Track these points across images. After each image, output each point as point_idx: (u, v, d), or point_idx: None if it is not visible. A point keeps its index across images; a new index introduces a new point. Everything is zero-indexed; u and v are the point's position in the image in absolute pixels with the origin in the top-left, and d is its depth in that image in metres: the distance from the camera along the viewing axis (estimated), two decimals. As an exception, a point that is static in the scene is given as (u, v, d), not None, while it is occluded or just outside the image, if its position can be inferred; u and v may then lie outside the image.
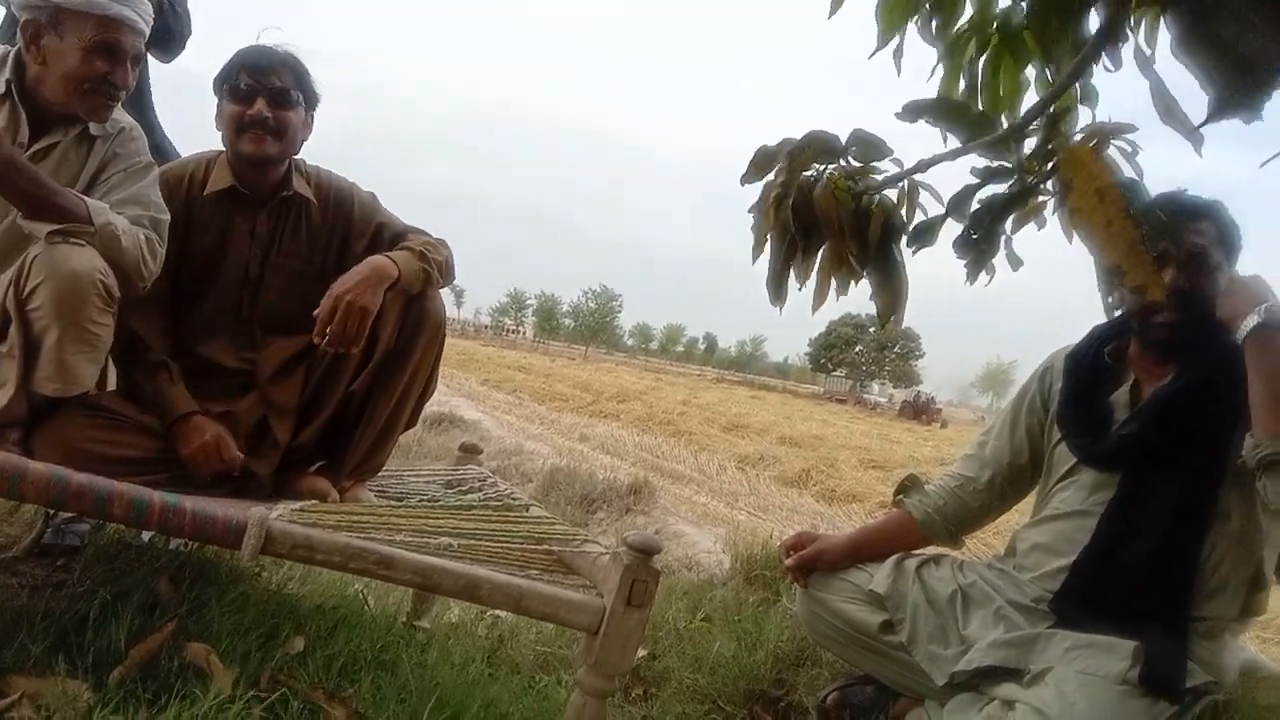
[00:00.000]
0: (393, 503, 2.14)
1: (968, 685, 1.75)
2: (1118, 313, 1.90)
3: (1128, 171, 1.27)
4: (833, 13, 1.39)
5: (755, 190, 1.47)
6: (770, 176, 1.46)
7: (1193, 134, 0.90)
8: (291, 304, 2.21)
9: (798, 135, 1.43)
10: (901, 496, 2.09)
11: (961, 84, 1.40)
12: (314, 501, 2.00)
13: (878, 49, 1.38)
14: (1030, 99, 1.34)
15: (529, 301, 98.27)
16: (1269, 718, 1.62)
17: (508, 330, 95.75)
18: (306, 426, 2.18)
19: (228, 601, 1.95)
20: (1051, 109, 1.18)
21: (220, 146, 2.23)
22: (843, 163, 1.42)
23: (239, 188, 2.16)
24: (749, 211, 1.53)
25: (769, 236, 1.50)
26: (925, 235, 1.32)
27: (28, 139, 1.92)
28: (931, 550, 2.07)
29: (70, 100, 1.92)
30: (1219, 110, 0.72)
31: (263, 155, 2.12)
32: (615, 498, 3.86)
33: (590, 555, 1.84)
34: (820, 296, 1.49)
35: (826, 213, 1.40)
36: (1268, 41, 0.66)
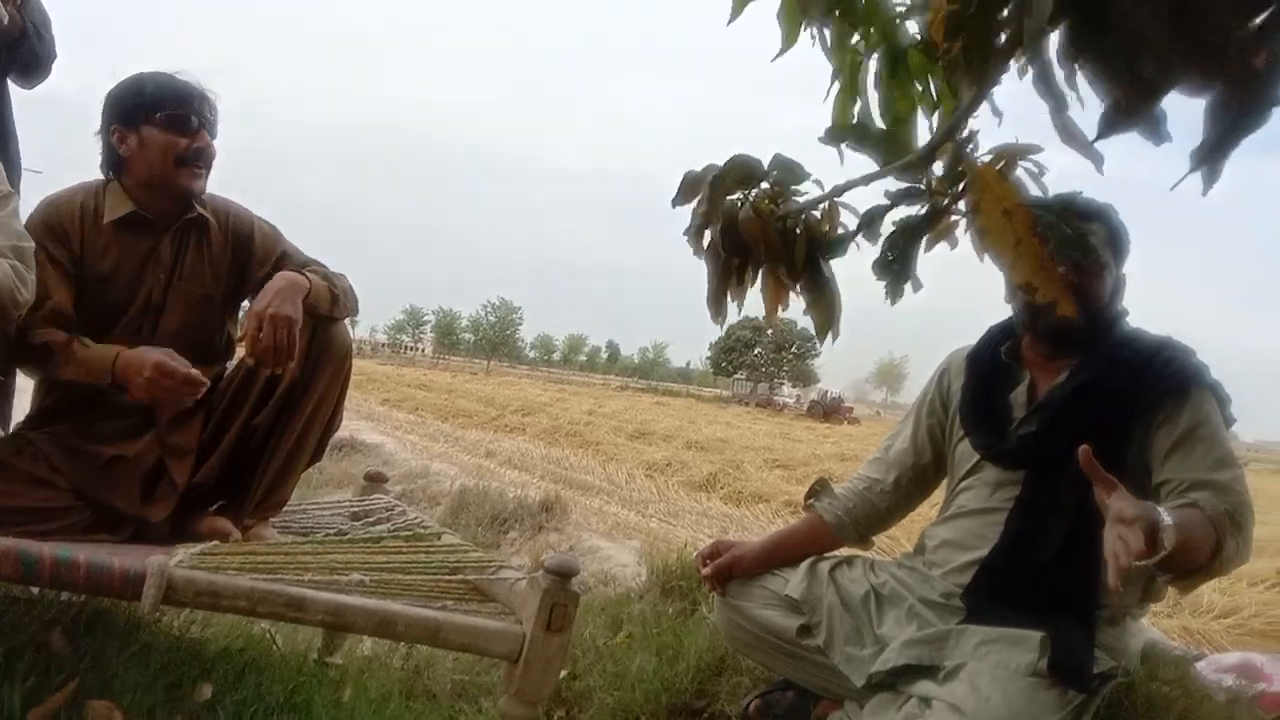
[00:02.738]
0: (298, 539, 2.07)
1: (885, 684, 1.78)
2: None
3: (1035, 191, 1.31)
4: (732, 20, 1.40)
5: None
6: (695, 203, 1.47)
7: (1093, 154, 0.94)
8: (193, 332, 2.13)
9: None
10: (812, 500, 2.13)
11: (859, 101, 1.43)
12: (215, 543, 1.93)
13: (781, 52, 1.39)
14: (922, 118, 1.38)
15: (426, 317, 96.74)
16: (1168, 694, 1.70)
17: (406, 347, 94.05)
18: (204, 464, 2.11)
19: (129, 654, 1.86)
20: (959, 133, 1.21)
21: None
22: (765, 186, 1.44)
23: (141, 213, 2.07)
24: (683, 235, 1.54)
25: (704, 259, 1.51)
26: (836, 247, 1.35)
27: None
28: (844, 552, 2.11)
29: None
30: (1110, 125, 0.75)
31: (198, 189, 2.09)
32: (527, 516, 3.81)
33: (507, 581, 1.82)
34: (769, 312, 1.51)
35: (753, 235, 1.41)
36: (1162, 59, 0.69)
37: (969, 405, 1.99)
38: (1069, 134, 1.00)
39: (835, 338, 1.47)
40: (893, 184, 1.26)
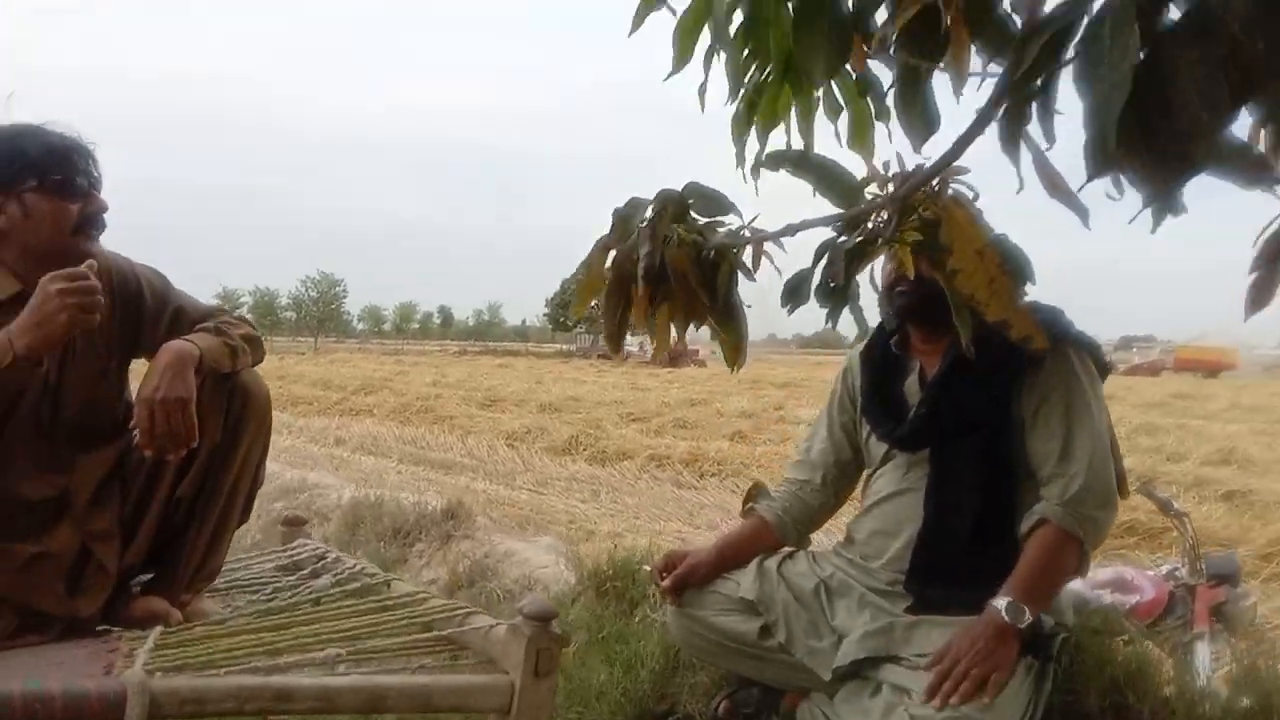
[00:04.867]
0: (248, 613, 1.98)
1: (849, 673, 1.90)
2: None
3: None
4: (632, 32, 1.39)
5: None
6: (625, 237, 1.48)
7: (1080, 208, 1.00)
8: (95, 411, 1.98)
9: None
10: (752, 504, 2.22)
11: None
12: (159, 630, 1.83)
13: (673, 73, 1.40)
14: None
15: (242, 298, 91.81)
16: (1101, 641, 1.90)
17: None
18: (130, 545, 1.98)
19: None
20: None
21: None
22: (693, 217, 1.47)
23: (28, 291, 1.89)
24: (578, 271, 1.56)
25: (605, 294, 1.53)
26: (797, 293, 1.38)
27: None
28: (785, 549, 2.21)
29: None
30: (1157, 214, 0.83)
31: (95, 253, 1.90)
32: (431, 525, 3.72)
33: (480, 629, 1.83)
34: (661, 346, 1.55)
35: (679, 268, 1.44)
36: (1208, 149, 0.76)
37: (867, 399, 2.12)
38: (1055, 188, 1.07)
39: (742, 365, 1.52)
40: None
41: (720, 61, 1.37)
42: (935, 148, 1.15)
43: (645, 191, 1.48)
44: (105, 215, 1.96)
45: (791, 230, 1.39)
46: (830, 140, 1.41)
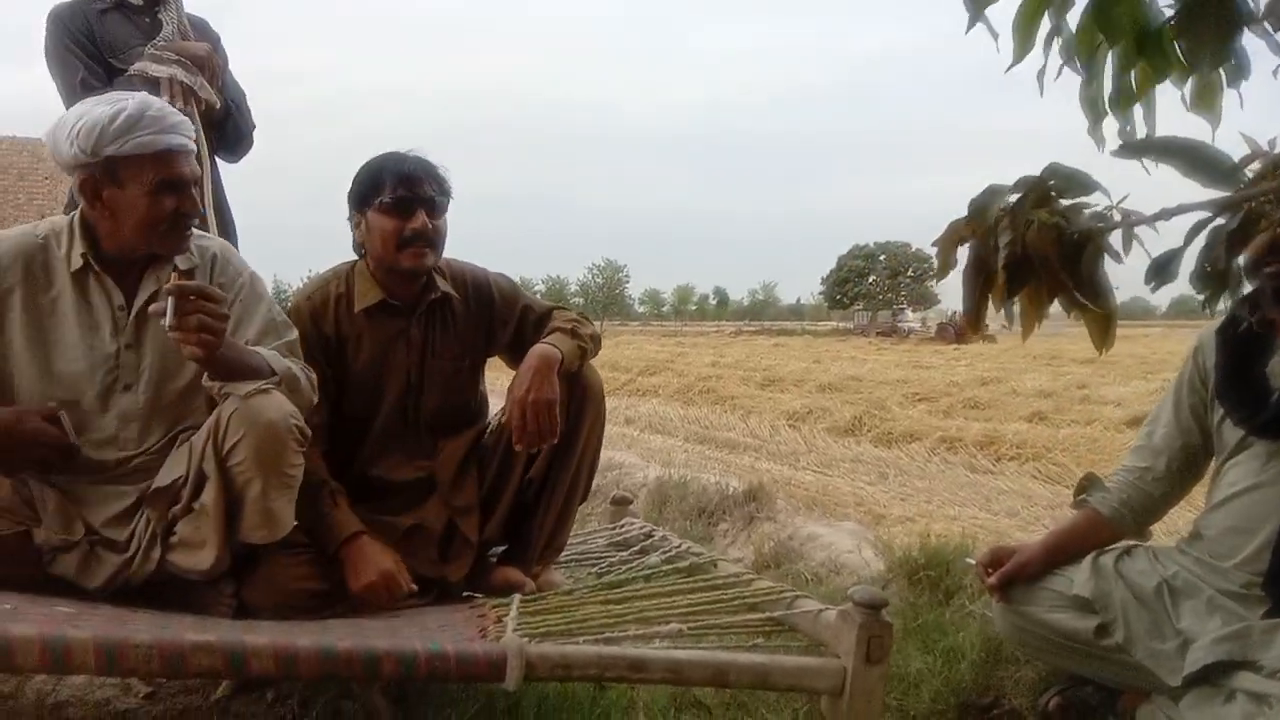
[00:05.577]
0: (589, 585, 2.18)
1: (1197, 678, 1.78)
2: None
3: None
4: (969, 28, 1.37)
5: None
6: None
7: None
8: (452, 404, 2.26)
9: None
10: (1084, 496, 2.12)
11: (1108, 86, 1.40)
12: (517, 597, 2.04)
13: (1014, 63, 1.37)
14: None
15: (536, 287, 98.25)
16: None
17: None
18: (488, 520, 2.24)
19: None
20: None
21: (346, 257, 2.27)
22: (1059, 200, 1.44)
23: (390, 300, 2.19)
24: (932, 245, 1.56)
25: (964, 276, 1.52)
26: (1165, 271, 1.32)
27: (123, 300, 1.94)
28: (1120, 544, 2.10)
29: (148, 245, 1.92)
30: None
31: (423, 269, 2.17)
32: (734, 506, 3.86)
33: (809, 613, 1.89)
34: (1028, 329, 1.52)
35: (1042, 252, 1.41)
36: None
37: (1224, 380, 1.95)
38: None
39: (1111, 345, 1.46)
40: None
41: (1058, 45, 1.35)
42: None
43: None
44: (433, 233, 2.15)
45: (1167, 214, 1.32)
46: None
